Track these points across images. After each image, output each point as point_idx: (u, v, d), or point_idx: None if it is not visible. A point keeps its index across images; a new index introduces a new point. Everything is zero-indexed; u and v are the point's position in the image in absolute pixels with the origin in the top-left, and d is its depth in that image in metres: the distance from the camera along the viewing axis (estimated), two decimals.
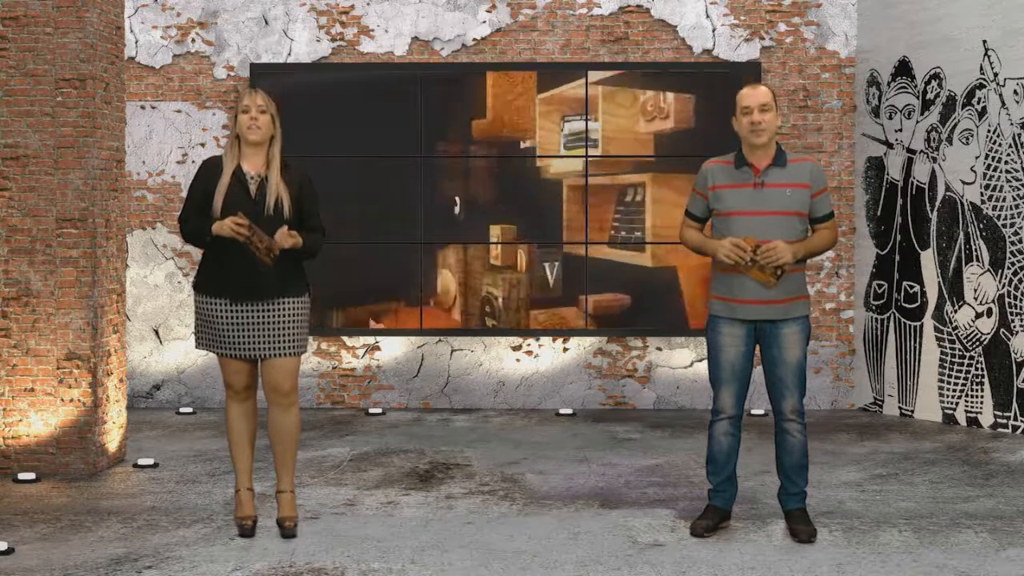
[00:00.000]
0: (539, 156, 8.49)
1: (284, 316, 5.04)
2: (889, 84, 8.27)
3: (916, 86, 8.08)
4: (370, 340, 8.59)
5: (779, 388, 5.07)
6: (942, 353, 7.90)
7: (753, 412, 8.14)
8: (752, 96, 5.00)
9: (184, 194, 8.24)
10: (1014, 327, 7.43)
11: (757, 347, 5.13)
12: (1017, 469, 6.48)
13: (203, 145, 8.50)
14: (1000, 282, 7.51)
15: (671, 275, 8.48)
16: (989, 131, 7.57)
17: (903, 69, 8.18)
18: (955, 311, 7.80)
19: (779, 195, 4.98)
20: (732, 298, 5.03)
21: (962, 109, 7.76)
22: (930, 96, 7.98)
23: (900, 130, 8.20)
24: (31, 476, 6.13)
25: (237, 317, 5.02)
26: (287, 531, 5.07)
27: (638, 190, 8.46)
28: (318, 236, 5.13)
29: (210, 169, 5.09)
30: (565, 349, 8.58)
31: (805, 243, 5.01)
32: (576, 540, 5.05)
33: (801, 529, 5.06)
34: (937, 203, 7.92)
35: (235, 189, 5.00)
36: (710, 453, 5.20)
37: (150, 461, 6.51)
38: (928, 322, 8.00)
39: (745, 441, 6.53)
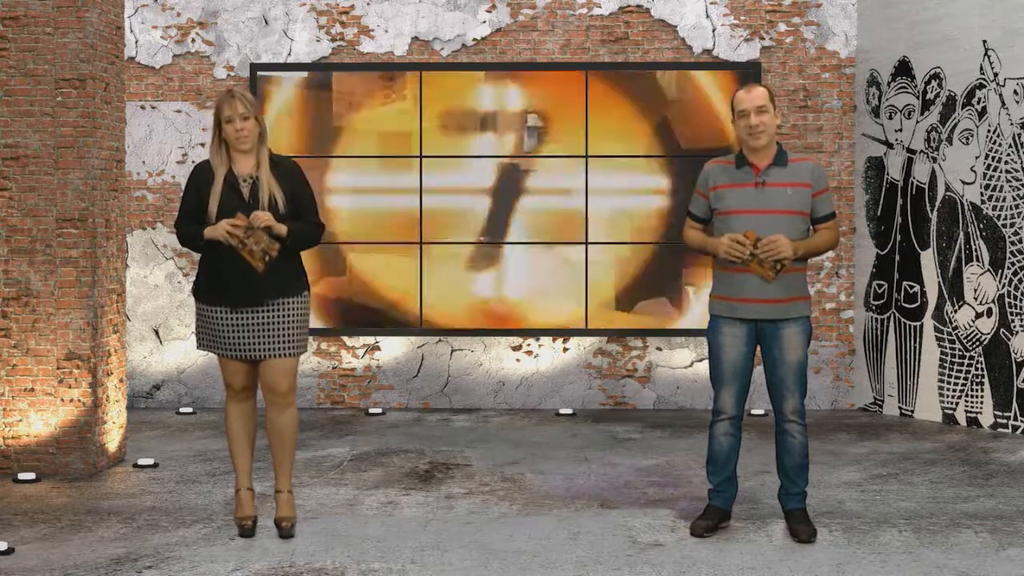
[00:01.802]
0: (536, 156, 8.48)
1: (283, 317, 5.04)
2: (889, 84, 8.27)
3: (916, 86, 8.08)
4: (370, 340, 8.59)
5: (780, 389, 5.07)
6: (942, 353, 7.90)
7: (753, 412, 8.13)
8: (748, 99, 4.99)
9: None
10: (1014, 327, 7.43)
11: (758, 348, 5.13)
12: (1017, 469, 6.48)
13: (203, 145, 8.50)
14: (1000, 282, 7.51)
15: None
16: (989, 131, 7.57)
17: (903, 69, 8.18)
18: (955, 311, 7.80)
19: (780, 194, 4.98)
20: (732, 297, 5.03)
21: (962, 109, 7.76)
22: (930, 96, 7.98)
23: (900, 130, 8.19)
24: (31, 476, 6.13)
25: (236, 320, 5.02)
26: (284, 531, 5.07)
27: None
28: (311, 228, 5.10)
29: (201, 173, 5.08)
30: (565, 349, 8.58)
31: (807, 241, 5.02)
32: (576, 540, 5.05)
33: (801, 529, 5.06)
34: (937, 203, 7.92)
35: (228, 193, 4.99)
36: (710, 453, 5.20)
37: (150, 461, 6.51)
38: (928, 322, 8.00)
39: (745, 441, 6.52)
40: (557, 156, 8.48)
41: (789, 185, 4.98)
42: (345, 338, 8.60)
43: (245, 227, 4.86)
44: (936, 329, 7.94)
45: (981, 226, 7.61)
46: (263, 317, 5.01)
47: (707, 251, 5.13)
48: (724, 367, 5.08)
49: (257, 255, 4.88)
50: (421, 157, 8.49)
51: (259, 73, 8.47)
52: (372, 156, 8.50)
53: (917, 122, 8.07)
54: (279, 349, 5.04)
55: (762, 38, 8.54)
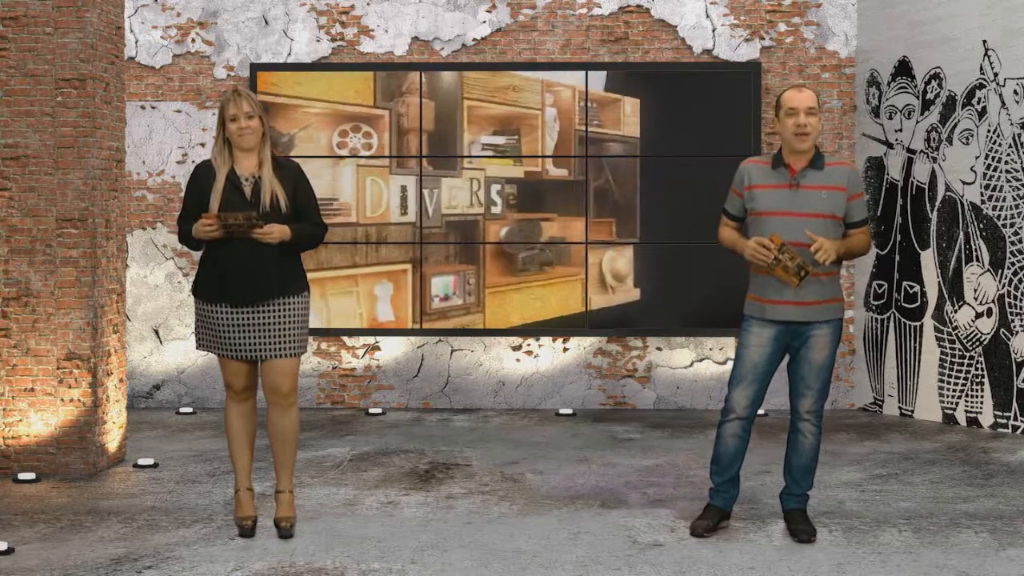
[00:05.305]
0: (538, 156, 8.48)
1: (284, 317, 5.04)
2: (889, 84, 8.28)
3: (916, 86, 8.08)
4: (370, 340, 8.59)
5: (799, 387, 5.06)
6: (942, 353, 7.90)
7: None
8: (799, 98, 4.93)
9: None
10: (1014, 327, 7.43)
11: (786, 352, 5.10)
12: (1017, 469, 6.48)
13: (203, 145, 8.50)
14: (1000, 282, 7.51)
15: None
16: (989, 131, 7.57)
17: (903, 69, 8.18)
18: (955, 311, 7.80)
19: (815, 197, 4.93)
20: (764, 299, 5.00)
21: (962, 109, 7.76)
22: (930, 96, 7.98)
23: (900, 130, 8.20)
24: (31, 476, 6.13)
25: (237, 319, 5.02)
26: (283, 531, 5.07)
27: None
28: (314, 229, 5.12)
29: (202, 172, 5.10)
30: (565, 349, 8.58)
31: (846, 242, 4.97)
32: (576, 540, 5.05)
33: (801, 529, 5.06)
34: (937, 203, 7.92)
35: (230, 192, 5.00)
36: (716, 453, 5.18)
37: (150, 461, 6.51)
38: (928, 322, 8.00)
39: None
40: (557, 156, 8.48)
41: (824, 188, 4.94)
42: (345, 338, 8.60)
43: (215, 217, 4.87)
44: (936, 329, 7.94)
45: (981, 226, 7.61)
46: (264, 317, 5.02)
47: (736, 252, 5.10)
48: (744, 367, 5.05)
49: (246, 228, 4.88)
50: (421, 157, 8.49)
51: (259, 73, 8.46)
52: (373, 156, 8.49)
53: (917, 122, 8.08)
54: (280, 349, 5.05)
55: (762, 38, 8.54)
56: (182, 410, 8.37)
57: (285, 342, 5.05)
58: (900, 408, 8.21)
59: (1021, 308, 7.40)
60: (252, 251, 4.95)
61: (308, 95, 8.45)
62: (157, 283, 8.62)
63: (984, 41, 7.61)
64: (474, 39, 8.57)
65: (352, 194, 8.47)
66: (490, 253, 8.47)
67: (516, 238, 8.48)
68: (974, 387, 7.70)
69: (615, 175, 8.47)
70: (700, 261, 8.39)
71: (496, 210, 8.48)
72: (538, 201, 8.49)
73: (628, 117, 8.46)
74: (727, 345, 8.53)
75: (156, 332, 8.64)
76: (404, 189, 8.48)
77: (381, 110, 8.46)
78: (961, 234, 7.75)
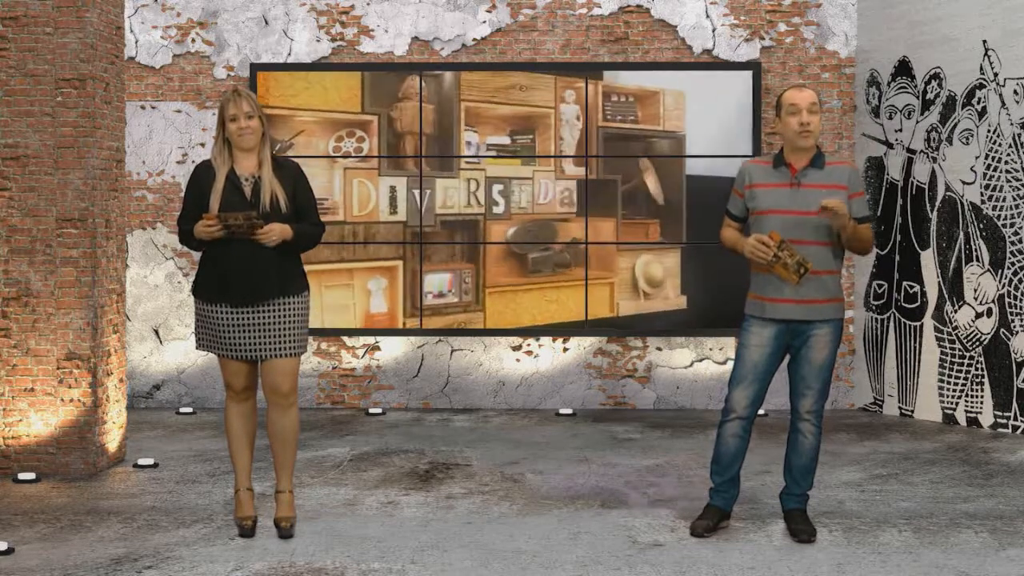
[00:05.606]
0: (540, 156, 8.48)
1: (284, 317, 5.04)
2: (889, 84, 8.28)
3: (916, 86, 8.08)
4: (370, 340, 8.59)
5: (799, 387, 5.06)
6: (942, 353, 7.90)
7: None
8: (801, 97, 4.94)
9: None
10: (1014, 327, 7.43)
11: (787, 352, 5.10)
12: (1017, 469, 6.48)
13: (203, 145, 8.50)
14: (1000, 282, 7.51)
15: None
16: (989, 131, 7.57)
17: (903, 69, 8.18)
18: (955, 311, 7.80)
19: (815, 196, 4.93)
20: (765, 297, 5.01)
21: (962, 109, 7.76)
22: (930, 96, 7.98)
23: (900, 130, 8.20)
24: (31, 476, 6.13)
25: (237, 319, 5.02)
26: (283, 531, 5.07)
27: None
28: (313, 229, 5.13)
29: (202, 172, 5.10)
30: (565, 349, 8.58)
31: (854, 224, 4.94)
32: (576, 540, 5.05)
33: (801, 529, 5.06)
34: (937, 203, 7.92)
35: (230, 192, 5.00)
36: (716, 453, 5.18)
37: (150, 461, 6.51)
38: (928, 322, 8.00)
39: None
40: (559, 156, 8.48)
41: (824, 187, 4.94)
42: (345, 338, 8.60)
43: (216, 217, 4.87)
44: (936, 329, 7.94)
45: (981, 226, 7.61)
46: (264, 317, 5.02)
47: (738, 251, 5.10)
48: (745, 366, 5.05)
49: (246, 230, 4.88)
50: (421, 157, 8.49)
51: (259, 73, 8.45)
52: (372, 156, 8.49)
53: (917, 122, 8.08)
54: (280, 349, 5.05)
55: (762, 38, 8.54)
56: (182, 410, 8.37)
57: (285, 342, 5.05)
58: (900, 408, 8.21)
59: (1021, 308, 7.40)
60: (252, 251, 4.96)
61: (298, 104, 8.45)
62: (157, 283, 8.62)
63: (984, 41, 7.61)
64: (474, 39, 8.57)
65: (340, 195, 8.47)
66: (494, 253, 8.47)
67: (525, 238, 8.47)
68: (974, 387, 7.70)
69: (659, 174, 8.46)
70: (704, 261, 8.41)
71: (498, 210, 8.48)
72: (556, 201, 8.49)
73: (670, 111, 8.44)
74: (727, 345, 8.53)
75: (156, 332, 8.64)
76: (393, 190, 8.48)
77: (370, 115, 8.46)
78: (961, 234, 7.75)
